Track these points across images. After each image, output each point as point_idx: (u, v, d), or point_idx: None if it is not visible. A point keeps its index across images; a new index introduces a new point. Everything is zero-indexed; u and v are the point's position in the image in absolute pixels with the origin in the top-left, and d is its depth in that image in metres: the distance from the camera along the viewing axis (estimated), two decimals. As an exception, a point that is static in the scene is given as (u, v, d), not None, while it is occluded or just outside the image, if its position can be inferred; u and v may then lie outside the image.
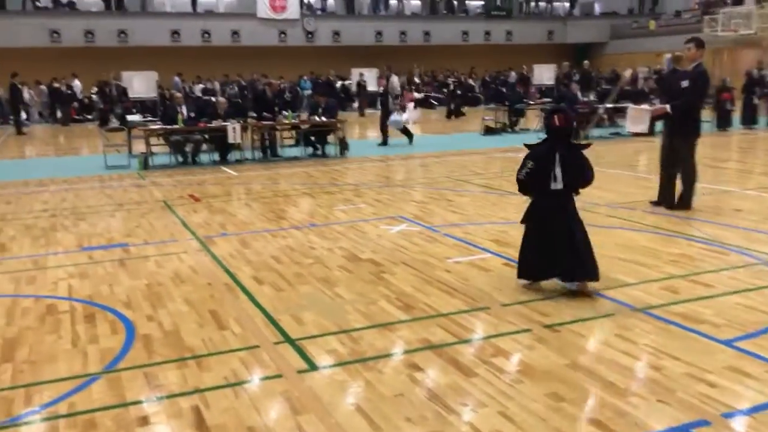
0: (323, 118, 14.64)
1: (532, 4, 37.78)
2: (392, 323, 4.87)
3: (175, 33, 30.14)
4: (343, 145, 14.73)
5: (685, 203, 8.28)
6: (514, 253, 6.30)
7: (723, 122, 18.05)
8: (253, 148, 14.47)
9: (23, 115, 22.74)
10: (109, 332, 4.87)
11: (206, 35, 30.64)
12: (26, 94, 25.50)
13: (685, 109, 8.00)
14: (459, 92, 28.33)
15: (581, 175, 5.23)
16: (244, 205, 9.68)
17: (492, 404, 3.66)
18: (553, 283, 5.55)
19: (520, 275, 5.54)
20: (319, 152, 14.88)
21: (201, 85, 28.63)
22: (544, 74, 32.10)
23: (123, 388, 3.97)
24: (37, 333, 4.89)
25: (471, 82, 32.57)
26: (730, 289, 5.38)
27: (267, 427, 3.50)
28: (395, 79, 17.04)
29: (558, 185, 5.19)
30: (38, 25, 28.14)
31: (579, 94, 17.82)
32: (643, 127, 8.00)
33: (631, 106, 8.57)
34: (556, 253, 5.23)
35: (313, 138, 14.90)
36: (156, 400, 3.83)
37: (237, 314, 5.15)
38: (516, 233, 7.20)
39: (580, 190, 5.36)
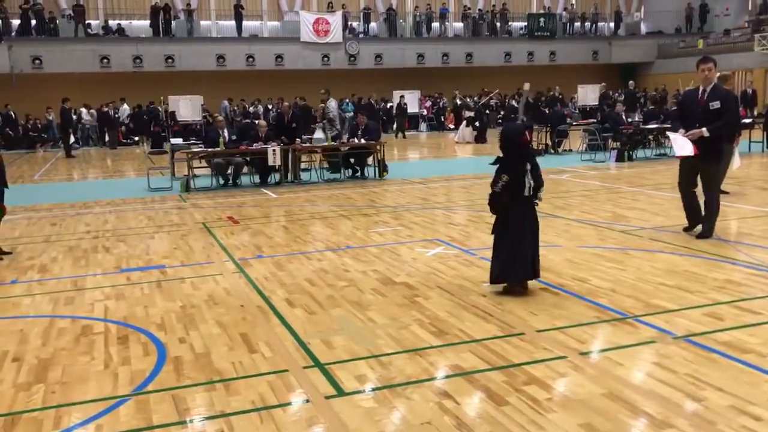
0: (363, 140, 14.67)
1: (577, 24, 37.47)
2: (424, 348, 4.78)
3: (221, 57, 30.75)
4: (383, 167, 14.73)
5: (706, 233, 7.90)
6: (553, 278, 6.18)
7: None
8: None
9: (72, 139, 23.35)
10: (141, 354, 4.89)
11: (251, 59, 31.18)
12: (84, 116, 26.30)
13: (725, 132, 7.78)
14: (501, 113, 28.18)
15: (541, 182, 5.95)
16: (281, 227, 9.71)
17: (523, 435, 3.53)
18: (588, 308, 5.40)
19: (493, 280, 6.01)
20: (359, 174, 14.90)
21: (252, 108, 29.04)
22: (589, 95, 31.76)
23: (150, 411, 3.96)
24: (71, 354, 4.93)
25: (514, 103, 32.37)
26: (779, 316, 5.14)
27: (291, 455, 3.44)
28: (332, 104, 17.15)
29: (530, 193, 5.86)
30: (89, 51, 29.03)
31: (623, 115, 17.52)
32: (690, 149, 7.73)
33: (670, 134, 8.36)
34: (529, 254, 5.86)
35: (352, 160, 14.93)
36: (182, 423, 3.80)
37: (268, 337, 5.12)
38: (555, 258, 7.08)
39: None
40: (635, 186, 12.38)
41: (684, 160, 7.92)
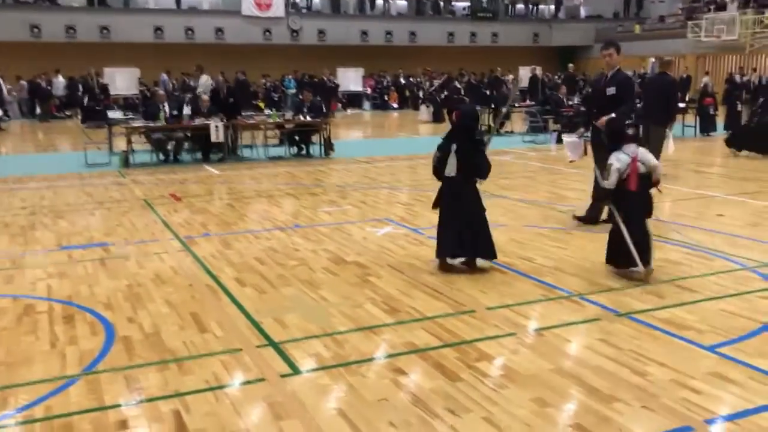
0: (308, 118, 14.55)
1: (518, 6, 37.87)
2: (377, 326, 4.83)
3: (158, 29, 29.90)
4: (328, 145, 14.66)
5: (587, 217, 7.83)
6: (500, 257, 6.30)
7: (706, 127, 18.17)
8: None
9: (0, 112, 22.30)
10: (89, 333, 4.79)
11: (190, 32, 30.43)
12: (4, 89, 25.13)
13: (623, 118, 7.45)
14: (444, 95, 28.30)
15: (473, 166, 5.92)
16: (226, 204, 9.59)
17: (476, 409, 3.63)
18: (535, 286, 5.55)
19: (437, 254, 6.11)
20: (304, 152, 14.79)
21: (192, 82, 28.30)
22: (529, 77, 32.23)
23: (102, 391, 3.89)
24: (14, 334, 4.79)
25: (456, 84, 32.58)
26: (715, 294, 5.39)
27: (249, 433, 3.45)
28: (203, 78, 15.76)
29: (451, 173, 5.90)
30: (18, 19, 27.78)
31: (564, 98, 17.88)
32: (580, 153, 7.70)
33: (565, 137, 8.41)
34: (459, 233, 5.93)
35: (297, 138, 14.80)
36: (135, 403, 3.75)
37: (219, 316, 5.08)
38: (502, 236, 7.21)
39: (482, 180, 6.06)
40: (575, 167, 12.66)
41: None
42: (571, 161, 7.89)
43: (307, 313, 5.10)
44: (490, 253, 6.08)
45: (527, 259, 6.48)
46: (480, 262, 6.14)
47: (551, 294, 5.45)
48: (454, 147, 5.89)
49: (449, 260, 6.11)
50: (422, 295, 5.46)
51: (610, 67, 7.63)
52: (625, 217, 5.70)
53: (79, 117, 24.21)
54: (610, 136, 6.05)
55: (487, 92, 22.68)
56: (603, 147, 6.52)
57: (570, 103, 17.88)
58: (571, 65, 27.43)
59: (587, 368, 4.10)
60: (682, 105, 18.62)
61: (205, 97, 14.67)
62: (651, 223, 5.91)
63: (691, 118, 18.57)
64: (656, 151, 10.87)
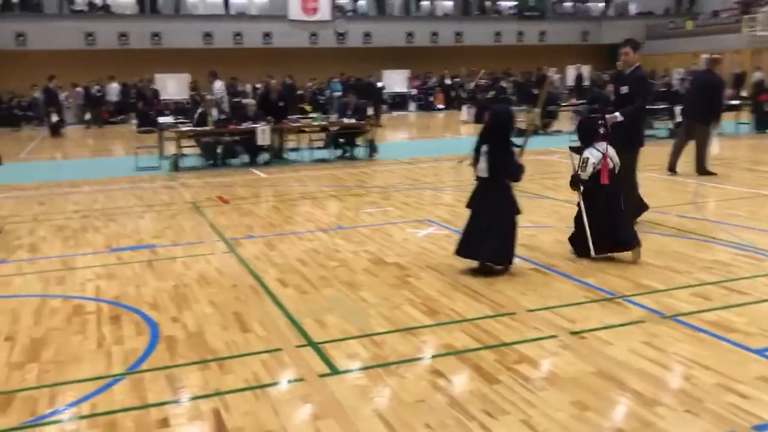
0: (352, 120, 14.63)
1: (566, 4, 37.33)
2: (416, 328, 4.82)
3: (208, 35, 30.44)
4: (372, 148, 14.70)
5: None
6: (543, 258, 6.25)
7: (761, 125, 17.62)
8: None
9: (54, 118, 22.85)
10: (134, 333, 4.90)
11: (238, 37, 30.89)
12: (62, 96, 25.92)
13: (635, 117, 7.38)
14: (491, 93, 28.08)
15: (504, 167, 5.87)
16: (271, 207, 9.71)
17: (514, 412, 3.59)
18: (577, 288, 5.47)
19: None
20: (348, 154, 14.88)
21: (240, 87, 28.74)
22: (574, 75, 31.77)
23: (145, 390, 3.98)
24: (64, 333, 4.94)
25: (503, 84, 32.33)
26: (764, 296, 5.23)
27: (286, 431, 3.48)
28: (218, 84, 14.80)
29: (482, 174, 5.89)
30: (74, 28, 28.64)
31: (612, 96, 17.54)
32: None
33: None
34: (473, 233, 5.90)
35: (341, 140, 14.89)
36: (176, 402, 3.83)
37: (261, 317, 5.14)
38: (545, 238, 7.14)
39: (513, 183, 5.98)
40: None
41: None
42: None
43: (346, 314, 5.12)
44: (498, 256, 5.90)
45: (570, 260, 6.38)
46: (516, 263, 6.05)
47: (594, 295, 5.36)
48: (484, 148, 5.87)
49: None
50: (462, 297, 5.43)
51: (627, 65, 7.59)
52: (591, 206, 6.22)
53: (135, 122, 24.74)
54: (583, 134, 6.50)
55: (535, 91, 22.42)
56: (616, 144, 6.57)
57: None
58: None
59: (629, 371, 4.02)
60: (735, 102, 18.16)
61: (251, 102, 14.87)
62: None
63: (745, 116, 18.03)
64: (701, 149, 10.68)
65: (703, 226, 7.64)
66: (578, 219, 6.39)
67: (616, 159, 6.30)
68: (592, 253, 6.22)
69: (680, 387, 3.82)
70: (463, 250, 6.01)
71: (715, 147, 10.50)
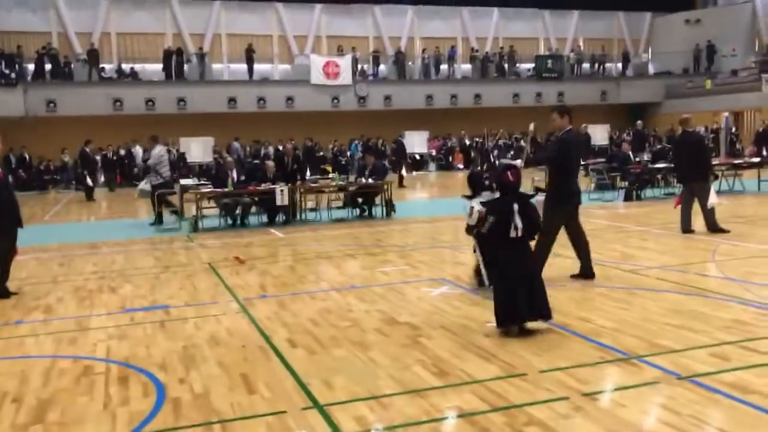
0: (370, 180, 14.75)
1: (585, 65, 37.73)
2: (424, 390, 4.73)
3: (232, 100, 31.13)
4: (390, 207, 14.77)
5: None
6: (557, 317, 6.14)
7: (783, 181, 17.45)
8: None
9: (90, 182, 22.95)
10: (141, 394, 4.87)
11: (261, 101, 31.56)
12: (94, 160, 26.37)
13: (560, 178, 7.78)
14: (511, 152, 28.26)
15: (535, 223, 5.96)
16: (287, 266, 9.72)
17: (522, 478, 3.47)
18: (591, 348, 5.35)
19: (498, 324, 5.91)
20: (366, 214, 14.94)
21: (263, 149, 29.19)
22: (598, 134, 31.88)
23: (146, 453, 3.93)
24: (71, 394, 4.92)
25: (522, 143, 32.52)
26: (786, 356, 5.07)
27: (285, 498, 3.39)
28: (156, 150, 14.91)
29: (516, 233, 5.83)
30: (103, 94, 29.50)
31: (631, 154, 17.56)
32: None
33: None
34: (521, 295, 5.74)
35: (360, 200, 14.99)
36: (177, 466, 3.77)
37: (268, 378, 5.09)
38: (560, 297, 7.04)
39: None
40: (643, 225, 12.34)
41: None
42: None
43: (354, 375, 5.05)
44: (548, 312, 5.94)
45: (585, 319, 6.27)
46: (534, 323, 5.98)
47: (608, 356, 5.24)
48: (516, 207, 5.82)
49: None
50: (473, 357, 5.34)
51: (557, 129, 8.14)
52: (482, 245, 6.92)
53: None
54: (472, 185, 7.50)
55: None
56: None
57: (637, 159, 17.52)
58: (639, 122, 27.02)
59: (642, 435, 3.89)
60: (756, 159, 18.11)
61: (271, 164, 15.10)
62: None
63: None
64: (705, 207, 10.69)
65: (723, 284, 7.49)
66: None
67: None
68: (486, 283, 6.86)
69: (696, 451, 3.68)
70: (525, 313, 5.79)
71: (713, 200, 10.50)
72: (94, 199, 22.43)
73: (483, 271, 7.05)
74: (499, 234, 5.88)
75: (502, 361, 5.24)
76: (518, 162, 7.48)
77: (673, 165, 13.52)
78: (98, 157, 27.07)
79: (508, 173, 5.96)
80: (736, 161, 18.08)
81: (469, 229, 7.06)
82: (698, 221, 10.92)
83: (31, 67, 29.66)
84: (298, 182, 14.69)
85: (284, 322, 6.63)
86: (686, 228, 10.88)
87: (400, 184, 22.09)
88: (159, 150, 15.01)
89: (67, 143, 28.21)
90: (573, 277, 8.01)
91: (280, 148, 29.47)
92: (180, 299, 7.83)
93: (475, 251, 7.27)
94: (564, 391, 4.58)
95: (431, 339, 5.88)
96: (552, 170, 8.00)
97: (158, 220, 14.55)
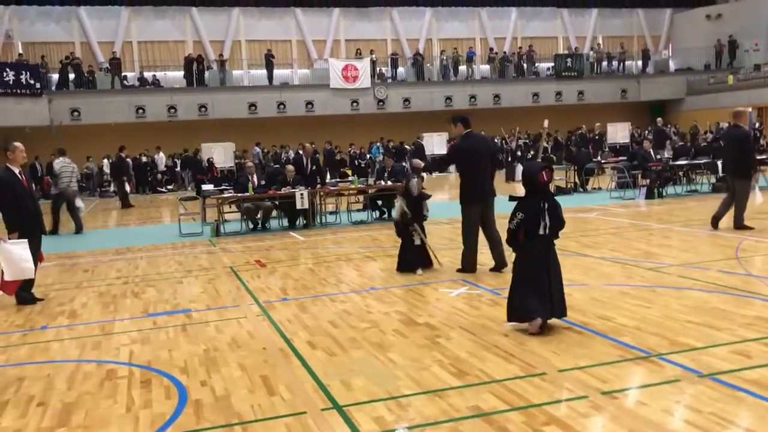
0: (389, 182, 14.77)
1: (604, 63, 37.44)
2: (443, 390, 4.74)
3: (252, 105, 31.40)
4: (410, 209, 14.74)
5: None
6: (577, 316, 6.11)
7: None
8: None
9: (127, 188, 22.71)
10: (163, 397, 4.93)
11: (282, 106, 31.78)
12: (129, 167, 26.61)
13: (460, 178, 8.91)
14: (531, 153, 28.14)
15: (561, 221, 5.98)
16: (307, 269, 9.77)
17: (540, 477, 3.47)
18: (612, 347, 5.32)
19: (509, 318, 6.05)
20: (386, 216, 14.96)
21: (284, 153, 29.39)
22: (618, 132, 31.64)
23: (168, 454, 3.98)
24: (95, 398, 5.00)
25: (544, 143, 32.33)
26: (810, 353, 5.00)
27: (304, 497, 3.42)
28: (58, 160, 15.70)
29: (545, 231, 5.87)
30: (125, 102, 29.91)
31: (652, 152, 17.41)
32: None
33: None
34: (547, 292, 5.80)
35: (379, 202, 15.01)
36: (198, 466, 3.81)
37: (288, 380, 5.13)
38: (581, 296, 7.00)
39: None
40: (664, 223, 12.23)
41: None
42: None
43: (373, 376, 5.07)
44: (564, 310, 5.98)
45: (606, 318, 6.23)
46: (553, 321, 5.97)
47: (628, 354, 5.20)
48: (546, 205, 5.86)
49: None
50: (492, 357, 5.33)
51: (456, 135, 8.96)
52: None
53: (193, 189, 24.77)
54: (404, 188, 8.86)
55: (573, 149, 22.40)
56: None
57: (658, 157, 17.36)
58: (659, 119, 26.75)
59: (663, 433, 3.86)
60: (762, 156, 17.90)
61: (291, 168, 15.18)
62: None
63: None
64: (741, 203, 10.51)
65: (746, 281, 7.40)
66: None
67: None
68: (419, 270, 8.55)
69: (717, 449, 3.65)
70: (547, 310, 5.82)
71: (758, 198, 10.35)
72: (132, 205, 22.28)
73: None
74: (528, 231, 5.89)
75: (521, 360, 5.23)
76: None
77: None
78: (129, 163, 27.44)
79: (543, 173, 5.90)
80: (761, 157, 17.82)
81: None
82: (725, 218, 10.79)
83: (55, 77, 30.17)
84: (318, 186, 14.75)
85: (304, 324, 6.67)
86: (715, 220, 10.73)
87: None
88: (60, 161, 15.67)
89: (92, 151, 28.63)
90: (492, 270, 8.58)
91: (300, 152, 29.76)
92: (202, 303, 7.91)
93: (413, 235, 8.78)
94: (584, 390, 4.56)
95: (450, 339, 5.88)
96: (458, 171, 8.70)
97: (54, 229, 14.96)
